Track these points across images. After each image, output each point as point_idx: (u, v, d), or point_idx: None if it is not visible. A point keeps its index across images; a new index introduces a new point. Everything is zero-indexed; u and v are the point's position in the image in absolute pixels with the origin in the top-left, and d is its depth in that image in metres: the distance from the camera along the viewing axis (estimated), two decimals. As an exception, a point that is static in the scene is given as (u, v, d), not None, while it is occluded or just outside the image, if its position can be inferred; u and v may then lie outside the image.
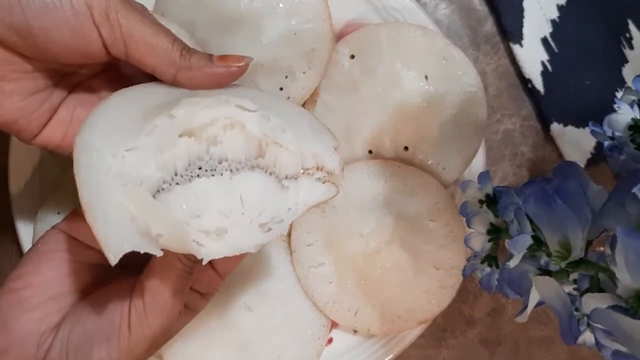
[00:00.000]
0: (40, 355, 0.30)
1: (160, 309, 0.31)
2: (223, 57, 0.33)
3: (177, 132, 0.30)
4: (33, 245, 0.34)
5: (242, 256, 0.33)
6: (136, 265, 0.31)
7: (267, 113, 0.31)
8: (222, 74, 0.32)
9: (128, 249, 0.27)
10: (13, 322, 0.31)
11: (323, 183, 0.32)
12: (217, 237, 0.29)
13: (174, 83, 0.32)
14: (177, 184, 0.30)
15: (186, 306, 0.34)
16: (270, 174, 0.31)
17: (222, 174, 0.30)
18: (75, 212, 0.34)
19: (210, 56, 0.33)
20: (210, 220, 0.29)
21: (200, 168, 0.30)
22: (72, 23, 0.29)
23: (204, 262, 0.28)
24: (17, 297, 0.31)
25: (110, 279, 0.33)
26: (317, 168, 0.32)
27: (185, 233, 0.28)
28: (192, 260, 0.31)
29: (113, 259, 0.27)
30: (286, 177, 0.31)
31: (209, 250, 0.28)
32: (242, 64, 0.32)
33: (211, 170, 0.30)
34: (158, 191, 0.30)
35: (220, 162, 0.31)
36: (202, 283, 0.35)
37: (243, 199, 0.30)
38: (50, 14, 0.29)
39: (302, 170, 0.32)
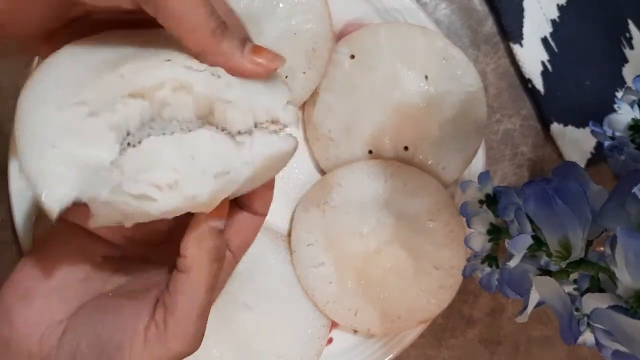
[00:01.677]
0: (44, 353, 0.29)
1: (184, 332, 0.29)
2: (257, 50, 0.29)
3: (126, 90, 0.28)
4: (40, 238, 0.32)
5: (271, 185, 0.31)
6: (151, 258, 0.30)
7: (216, 71, 0.29)
8: (245, 69, 0.29)
9: (73, 194, 0.25)
10: (16, 315, 0.30)
11: (280, 135, 0.30)
12: (170, 189, 0.27)
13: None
14: (129, 143, 0.28)
15: None
16: (222, 129, 0.29)
17: (172, 133, 0.29)
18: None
19: (244, 44, 0.29)
20: (160, 175, 0.27)
21: (152, 128, 0.29)
22: None
23: (158, 217, 0.27)
24: (19, 289, 0.30)
25: (124, 271, 0.32)
26: (272, 122, 0.30)
27: (134, 189, 0.26)
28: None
29: (54, 212, 0.25)
30: (239, 133, 0.30)
31: (161, 203, 0.27)
32: (274, 66, 0.29)
33: (162, 128, 0.29)
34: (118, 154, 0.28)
35: (171, 121, 0.29)
36: (235, 234, 0.30)
37: (194, 154, 0.28)
38: None
39: (255, 124, 0.30)
